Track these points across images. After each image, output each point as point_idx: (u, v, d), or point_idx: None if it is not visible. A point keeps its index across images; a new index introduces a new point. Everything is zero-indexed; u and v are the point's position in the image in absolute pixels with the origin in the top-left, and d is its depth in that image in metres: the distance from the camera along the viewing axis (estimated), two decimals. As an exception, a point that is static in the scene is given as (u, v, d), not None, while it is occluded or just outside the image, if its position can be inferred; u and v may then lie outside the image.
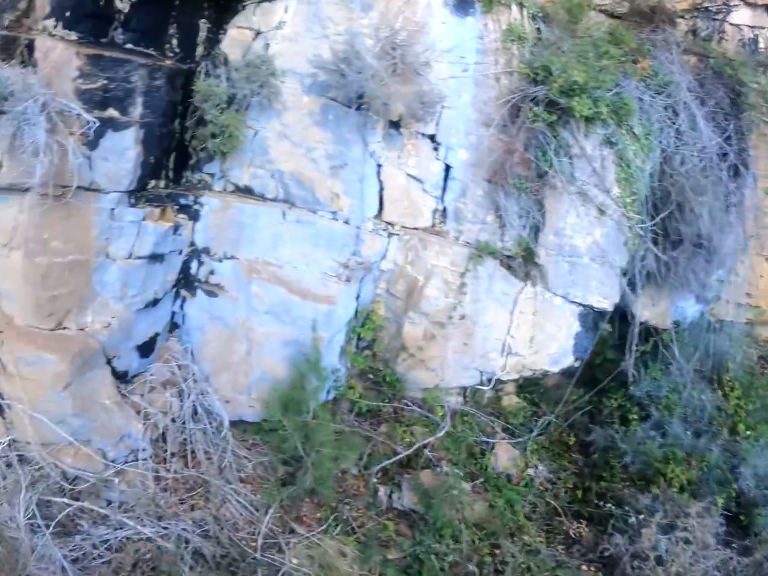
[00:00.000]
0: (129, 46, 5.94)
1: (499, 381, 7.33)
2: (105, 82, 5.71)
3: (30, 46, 5.72)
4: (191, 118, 6.28)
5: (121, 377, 6.31)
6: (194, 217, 6.46)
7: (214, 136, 6.23)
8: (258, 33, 6.54)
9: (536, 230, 7.03)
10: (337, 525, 6.30)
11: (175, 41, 6.27)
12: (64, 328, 5.93)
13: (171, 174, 6.37)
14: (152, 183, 6.19)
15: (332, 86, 6.44)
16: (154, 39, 6.09)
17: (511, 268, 7.08)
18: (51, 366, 5.76)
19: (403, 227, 6.88)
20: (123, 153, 5.81)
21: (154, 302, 6.37)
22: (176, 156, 6.36)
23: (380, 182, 6.78)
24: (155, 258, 6.21)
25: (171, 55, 6.24)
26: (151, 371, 6.45)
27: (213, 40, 6.54)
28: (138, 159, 5.90)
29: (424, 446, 6.77)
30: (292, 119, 6.53)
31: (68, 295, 5.83)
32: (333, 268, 6.55)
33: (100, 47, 5.78)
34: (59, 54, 5.67)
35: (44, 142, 5.31)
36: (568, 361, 7.42)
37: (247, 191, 6.57)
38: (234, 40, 6.54)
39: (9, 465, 5.94)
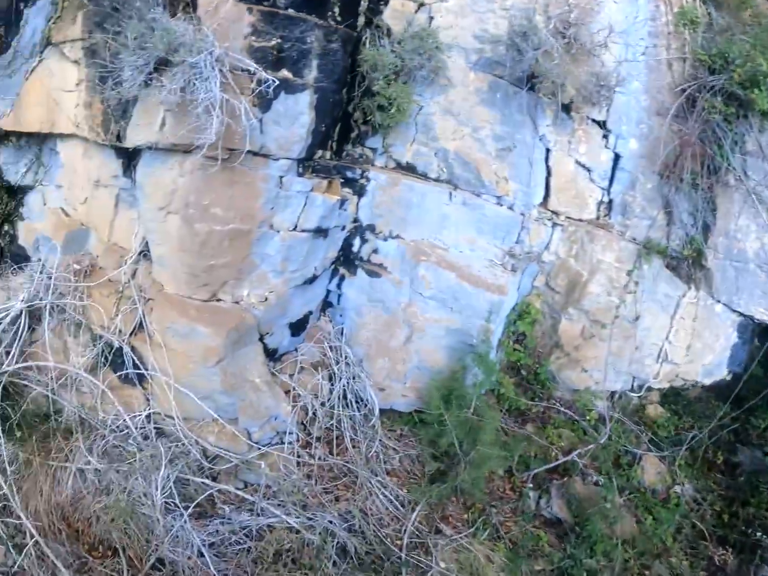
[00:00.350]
0: (290, 11, 5.37)
1: (648, 389, 6.70)
2: (279, 41, 5.19)
3: (193, 1, 5.21)
4: (359, 88, 5.73)
5: (271, 355, 5.85)
6: (360, 192, 5.93)
7: (381, 108, 5.68)
8: (421, 5, 5.96)
9: (705, 230, 6.36)
10: (485, 529, 5.79)
11: (337, 9, 5.69)
12: (219, 300, 5.46)
13: (334, 146, 5.83)
14: (319, 153, 5.66)
15: (500, 63, 5.89)
16: (317, 5, 5.53)
17: (675, 270, 6.41)
18: (204, 339, 5.31)
19: (568, 218, 6.23)
20: (296, 118, 5.29)
21: (312, 279, 5.87)
22: (340, 127, 5.82)
23: (548, 168, 6.15)
24: (319, 232, 5.70)
25: (333, 23, 5.69)
26: (301, 351, 5.98)
27: (374, 11, 5.97)
28: (310, 126, 5.38)
29: (578, 453, 6.18)
30: (458, 96, 5.94)
31: (225, 266, 5.37)
32: (498, 256, 5.98)
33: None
34: (229, 9, 5.15)
35: (219, 98, 4.80)
36: (721, 373, 6.77)
37: (409, 169, 6.01)
38: (396, 11, 5.95)
39: (146, 437, 5.60)
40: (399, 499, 5.78)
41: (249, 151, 5.13)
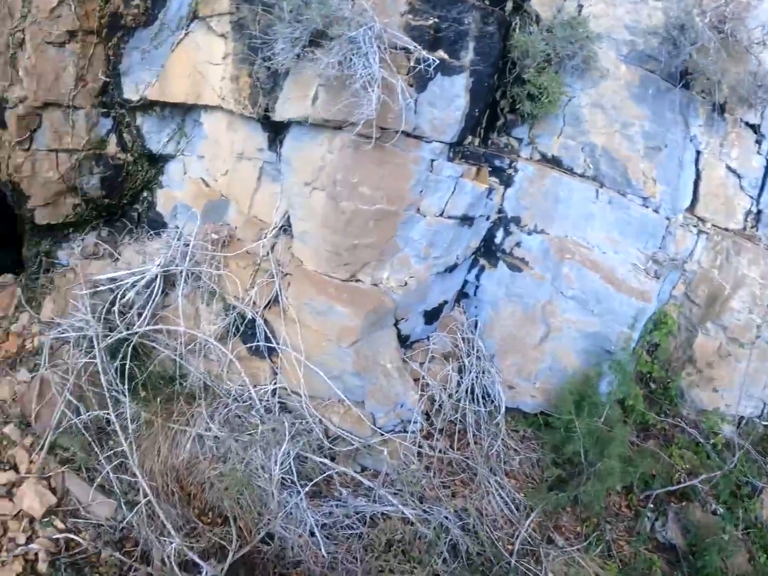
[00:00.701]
0: (438, -7, 5.25)
1: (777, 417, 6.36)
2: (436, 20, 5.06)
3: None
4: (509, 74, 5.60)
5: (403, 341, 5.76)
6: (507, 182, 5.78)
7: (531, 97, 5.54)
8: (570, -8, 5.77)
9: None
10: (598, 545, 5.57)
11: (485, -7, 5.60)
12: (358, 280, 5.39)
13: (482, 132, 5.71)
14: (469, 139, 5.54)
15: (653, 58, 5.67)
16: (465, -12, 5.41)
17: (821, 293, 6.08)
18: (342, 319, 5.25)
19: (714, 226, 5.96)
20: (452, 100, 5.17)
21: (453, 268, 5.75)
22: (489, 114, 5.70)
23: (697, 172, 5.89)
24: (465, 220, 5.56)
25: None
26: (433, 340, 5.87)
27: (523, -4, 5.86)
28: (465, 110, 5.25)
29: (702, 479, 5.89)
30: (609, 89, 5.72)
31: (369, 247, 5.28)
32: (641, 260, 5.74)
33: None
34: (385, -16, 5.01)
35: (378, 75, 4.69)
36: None
37: (554, 162, 5.82)
38: (544, -3, 5.78)
39: (268, 411, 5.58)
40: (515, 503, 5.63)
41: (402, 132, 5.03)
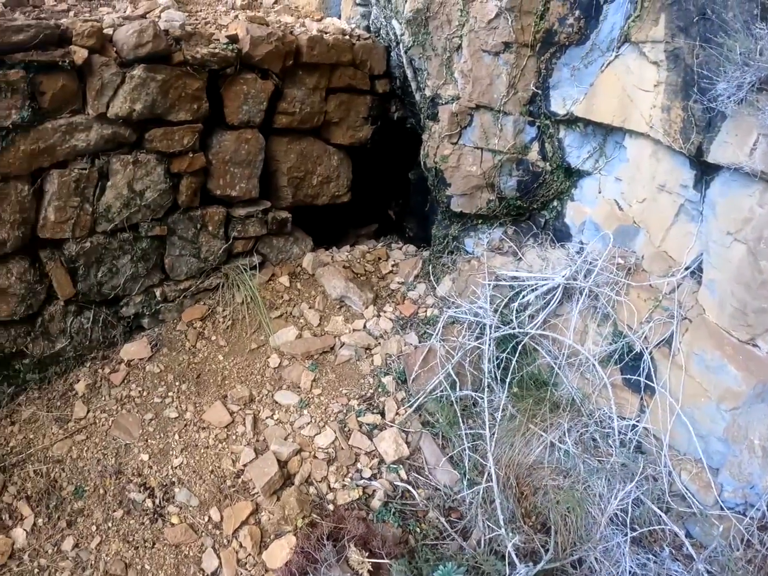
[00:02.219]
0: None
1: None
2: None
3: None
4: None
5: None
6: None
7: None
8: None
9: None
10: None
11: None
12: (755, 345, 5.48)
13: None
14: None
15: None
16: None
17: None
18: (729, 380, 5.43)
19: None
20: None
21: None
22: None
23: None
24: None
25: None
26: None
27: None
28: None
29: None
30: None
31: None
32: None
33: None
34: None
35: None
36: None
37: None
38: None
39: (623, 444, 5.99)
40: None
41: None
